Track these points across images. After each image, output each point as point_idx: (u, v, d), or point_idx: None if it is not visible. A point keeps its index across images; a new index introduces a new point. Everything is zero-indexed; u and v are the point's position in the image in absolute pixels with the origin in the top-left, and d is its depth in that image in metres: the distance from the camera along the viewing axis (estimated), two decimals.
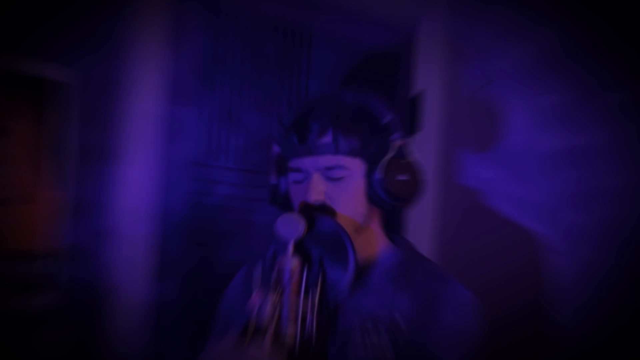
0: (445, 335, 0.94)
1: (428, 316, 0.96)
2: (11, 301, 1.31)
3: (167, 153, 1.52)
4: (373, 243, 1.05)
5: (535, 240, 1.67)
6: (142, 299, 1.46)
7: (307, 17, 1.72)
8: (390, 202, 0.97)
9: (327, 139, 0.96)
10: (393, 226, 1.82)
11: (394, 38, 1.85)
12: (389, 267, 1.02)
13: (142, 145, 1.45)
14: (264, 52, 1.67)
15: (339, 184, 0.97)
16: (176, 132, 1.54)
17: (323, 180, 0.97)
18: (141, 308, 1.46)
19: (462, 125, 1.85)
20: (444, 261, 1.78)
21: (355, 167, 0.97)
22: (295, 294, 0.86)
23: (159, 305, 1.51)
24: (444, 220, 1.84)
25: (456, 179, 1.84)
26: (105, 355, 1.41)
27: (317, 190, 0.96)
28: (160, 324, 1.52)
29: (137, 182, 1.45)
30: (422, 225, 1.82)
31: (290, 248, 0.87)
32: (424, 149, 1.82)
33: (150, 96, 1.46)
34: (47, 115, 1.35)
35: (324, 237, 0.89)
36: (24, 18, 1.32)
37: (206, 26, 1.59)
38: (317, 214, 0.92)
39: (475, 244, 1.78)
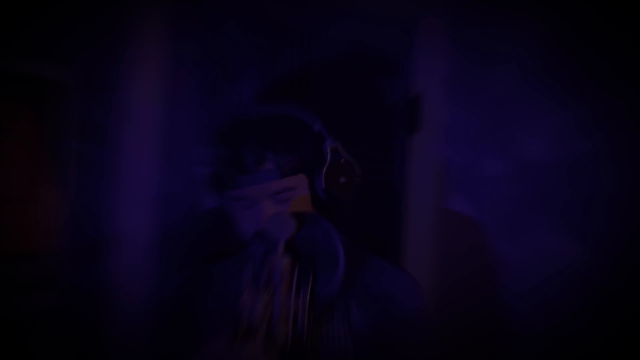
0: (395, 318, 1.00)
1: (379, 303, 1.01)
2: (11, 301, 1.31)
3: (168, 153, 1.51)
4: None
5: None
6: (143, 299, 1.46)
7: (306, 17, 1.71)
8: (336, 206, 1.01)
9: (269, 164, 0.96)
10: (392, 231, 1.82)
11: (393, 38, 1.83)
12: None
13: (142, 144, 1.45)
14: (263, 52, 1.66)
15: (288, 202, 0.98)
16: (177, 131, 1.53)
17: (273, 205, 0.98)
18: (142, 308, 1.45)
19: (462, 126, 1.83)
20: (443, 260, 1.78)
21: (300, 183, 0.99)
22: (286, 294, 0.85)
23: (160, 304, 1.50)
24: (444, 221, 1.83)
25: (455, 180, 1.83)
26: (105, 355, 1.41)
27: None
28: (162, 323, 1.52)
29: (138, 182, 1.45)
30: (421, 226, 1.82)
31: (281, 247, 0.86)
32: (423, 150, 1.81)
33: (151, 95, 1.46)
34: (47, 115, 1.35)
35: (314, 236, 0.89)
36: (24, 18, 1.32)
37: (206, 26, 1.58)
38: (307, 213, 0.92)
39: (469, 246, 1.79)
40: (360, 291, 1.02)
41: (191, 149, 1.54)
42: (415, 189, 1.81)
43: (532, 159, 1.68)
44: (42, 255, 1.35)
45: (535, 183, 1.67)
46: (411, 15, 1.80)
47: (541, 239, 1.65)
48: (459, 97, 1.81)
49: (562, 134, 1.63)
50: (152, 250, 1.47)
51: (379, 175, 1.81)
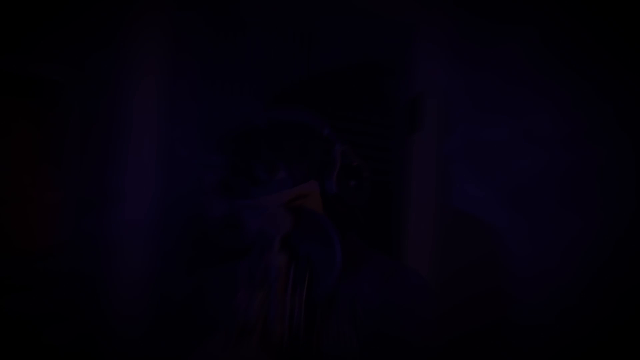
0: (402, 314, 0.99)
1: (385, 299, 0.99)
2: (11, 301, 1.31)
3: (169, 152, 1.51)
4: None
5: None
6: (143, 298, 1.45)
7: (306, 18, 1.71)
8: (348, 209, 1.00)
9: (282, 174, 0.95)
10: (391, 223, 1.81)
11: (394, 38, 1.82)
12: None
13: (142, 144, 1.44)
14: (264, 53, 1.66)
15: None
16: (177, 131, 1.53)
17: (286, 211, 0.96)
18: (142, 307, 1.45)
19: (462, 125, 1.83)
20: (443, 255, 1.77)
21: (312, 189, 0.98)
22: (283, 291, 0.84)
23: (160, 304, 1.50)
24: (445, 218, 1.83)
25: (455, 180, 1.82)
26: (106, 354, 1.40)
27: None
28: (162, 323, 1.51)
29: (138, 182, 1.44)
30: (422, 224, 1.82)
31: (277, 244, 0.85)
32: (423, 150, 1.81)
33: (151, 95, 1.45)
34: (47, 115, 1.35)
35: (310, 232, 0.88)
36: (24, 18, 1.32)
37: (207, 27, 1.58)
38: (304, 209, 0.91)
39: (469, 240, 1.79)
40: (364, 288, 1.01)
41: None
42: (416, 188, 1.81)
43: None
44: (42, 255, 1.35)
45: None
46: (411, 15, 1.80)
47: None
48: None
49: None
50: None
51: (380, 175, 1.81)
